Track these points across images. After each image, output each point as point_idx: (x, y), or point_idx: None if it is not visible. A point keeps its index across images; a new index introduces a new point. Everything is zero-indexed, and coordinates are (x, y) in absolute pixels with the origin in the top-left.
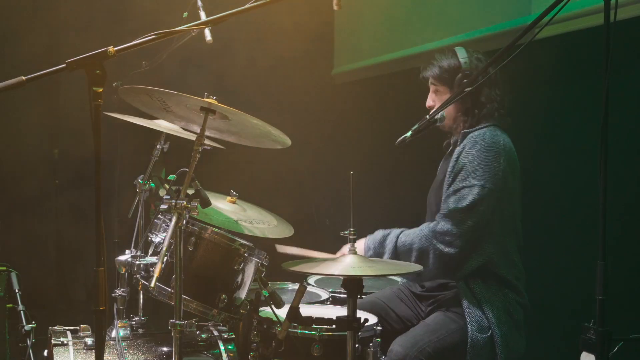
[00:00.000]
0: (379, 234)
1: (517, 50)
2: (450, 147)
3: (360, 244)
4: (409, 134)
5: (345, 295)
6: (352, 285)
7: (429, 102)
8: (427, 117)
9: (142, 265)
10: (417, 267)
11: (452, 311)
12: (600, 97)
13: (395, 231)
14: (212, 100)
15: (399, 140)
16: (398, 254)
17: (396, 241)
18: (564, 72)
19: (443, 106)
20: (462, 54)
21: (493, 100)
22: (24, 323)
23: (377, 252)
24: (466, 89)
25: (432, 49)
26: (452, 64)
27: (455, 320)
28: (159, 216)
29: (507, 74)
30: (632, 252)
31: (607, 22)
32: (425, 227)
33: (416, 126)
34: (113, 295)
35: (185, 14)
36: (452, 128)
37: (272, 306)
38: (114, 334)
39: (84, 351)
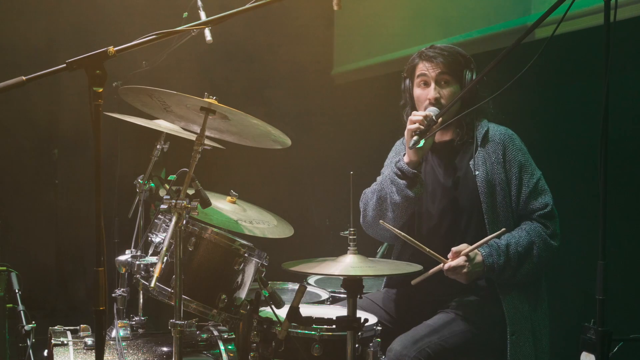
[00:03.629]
0: (494, 243)
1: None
2: (456, 143)
3: (477, 255)
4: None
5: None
6: (352, 285)
7: (435, 94)
8: (434, 117)
9: (142, 265)
10: (418, 267)
11: (457, 313)
12: (600, 97)
13: (506, 236)
14: (212, 100)
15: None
16: (521, 261)
17: (517, 248)
18: (564, 72)
19: (455, 101)
20: (465, 51)
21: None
22: (24, 323)
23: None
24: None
25: (420, 50)
26: (461, 58)
27: (459, 322)
28: (159, 216)
29: (507, 74)
30: (632, 252)
31: (607, 22)
32: (535, 231)
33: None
34: (113, 295)
35: (185, 14)
36: (446, 123)
37: (272, 306)
38: (114, 334)
39: (84, 351)
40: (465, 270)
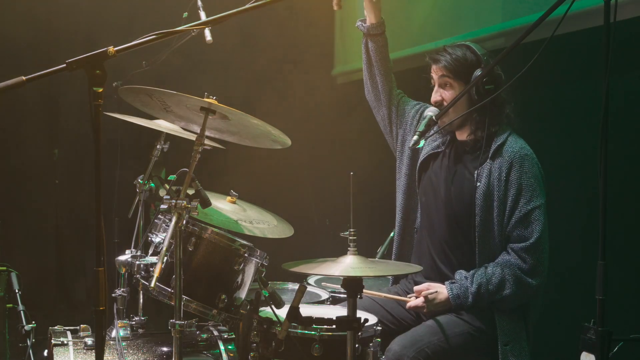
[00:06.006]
0: (464, 282)
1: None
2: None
3: (442, 292)
4: (416, 137)
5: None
6: (352, 286)
7: (436, 97)
8: (434, 117)
9: (142, 265)
10: (418, 268)
11: (457, 314)
12: (600, 98)
13: (479, 274)
14: (212, 100)
15: (411, 145)
16: (493, 299)
17: (488, 287)
18: (564, 72)
19: (454, 102)
20: (479, 49)
21: (511, 101)
22: (24, 323)
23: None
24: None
25: (432, 49)
26: (471, 58)
27: (460, 324)
28: (159, 216)
29: (507, 74)
30: (632, 252)
31: (607, 22)
32: (509, 268)
33: (422, 128)
34: (113, 295)
35: (185, 14)
36: (454, 125)
37: (272, 306)
38: (114, 334)
39: (84, 351)
40: (425, 310)
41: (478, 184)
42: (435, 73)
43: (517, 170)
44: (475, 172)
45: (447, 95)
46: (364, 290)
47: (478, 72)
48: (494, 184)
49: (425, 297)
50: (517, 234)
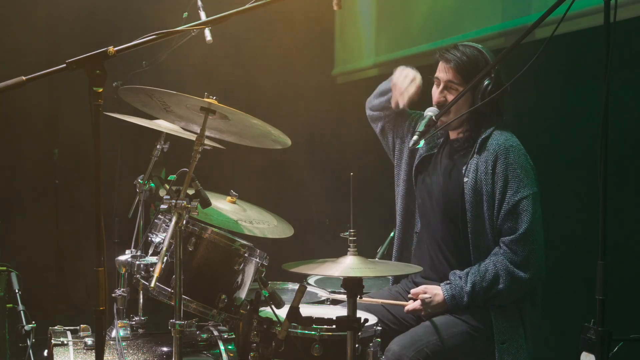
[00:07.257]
0: (459, 283)
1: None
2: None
3: (438, 294)
4: (415, 137)
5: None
6: (352, 286)
7: (440, 98)
8: (434, 117)
9: (142, 265)
10: (418, 268)
11: (456, 314)
12: (600, 97)
13: (472, 273)
14: (212, 100)
15: (411, 145)
16: (488, 295)
17: (482, 284)
18: (564, 72)
19: (453, 102)
20: (491, 57)
21: (508, 105)
22: (24, 323)
23: (460, 295)
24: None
25: (432, 49)
26: (482, 65)
27: (458, 323)
28: (159, 216)
29: (507, 74)
30: (632, 252)
31: (607, 22)
32: (501, 262)
33: (422, 128)
34: (113, 295)
35: (185, 14)
36: (452, 126)
37: (272, 306)
38: (114, 334)
39: (84, 351)
40: (423, 313)
41: (465, 179)
42: (443, 72)
43: (503, 162)
44: (464, 167)
45: (451, 98)
46: (363, 299)
47: (487, 81)
48: (481, 178)
49: (423, 300)
50: (508, 226)
